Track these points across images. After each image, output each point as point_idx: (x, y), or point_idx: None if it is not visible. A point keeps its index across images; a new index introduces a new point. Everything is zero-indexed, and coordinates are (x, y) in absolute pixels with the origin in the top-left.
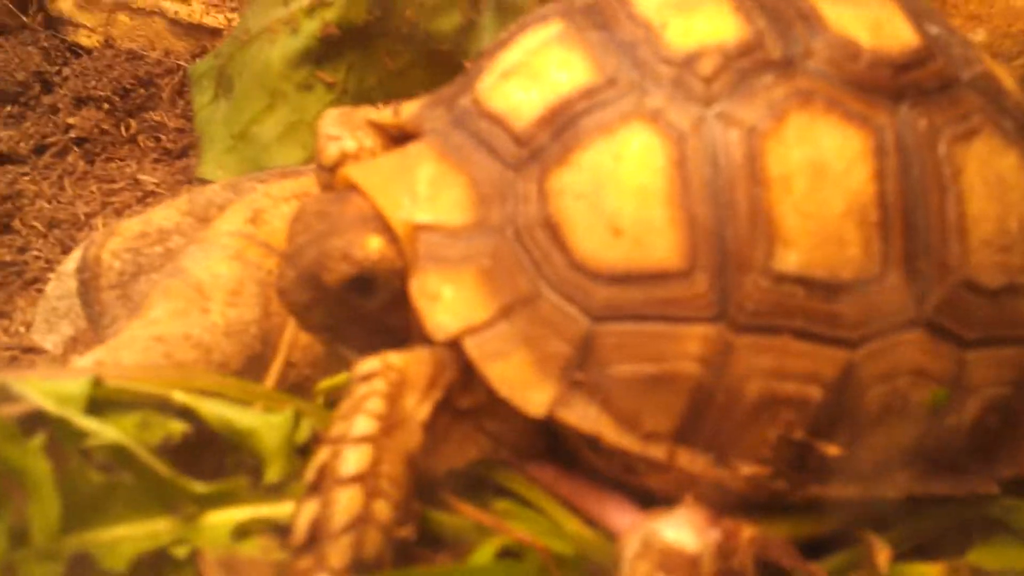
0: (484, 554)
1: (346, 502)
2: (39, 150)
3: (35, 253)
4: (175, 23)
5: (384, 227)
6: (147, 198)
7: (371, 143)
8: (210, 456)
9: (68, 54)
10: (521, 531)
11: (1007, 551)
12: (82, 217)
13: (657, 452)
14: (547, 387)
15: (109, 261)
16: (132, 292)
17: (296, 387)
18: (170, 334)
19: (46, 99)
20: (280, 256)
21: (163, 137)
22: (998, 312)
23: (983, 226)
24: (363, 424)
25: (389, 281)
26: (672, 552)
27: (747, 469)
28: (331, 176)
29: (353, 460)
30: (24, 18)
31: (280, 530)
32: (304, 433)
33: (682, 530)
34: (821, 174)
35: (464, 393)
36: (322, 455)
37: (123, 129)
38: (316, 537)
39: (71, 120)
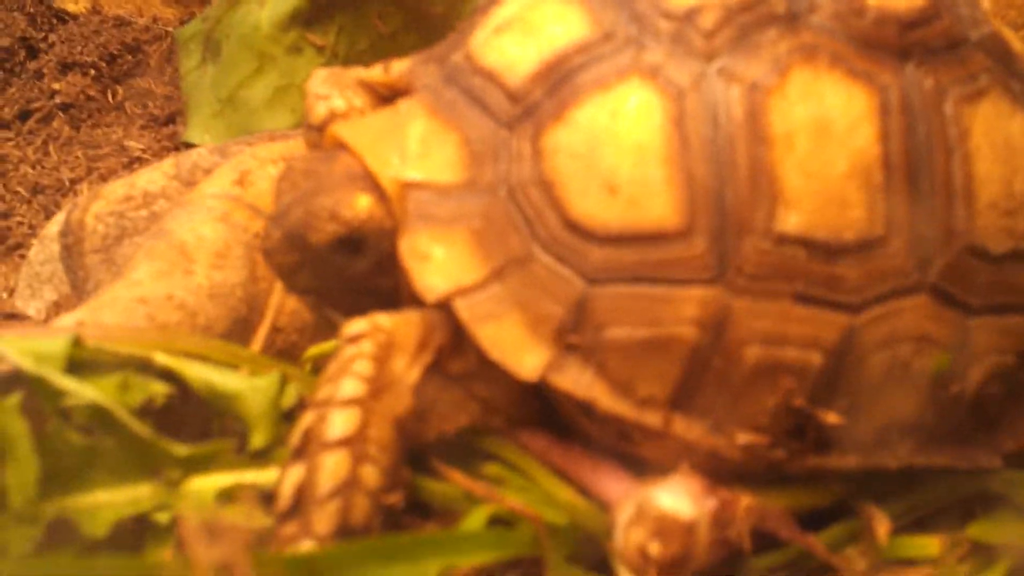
0: (474, 521)
1: (332, 467)
2: (23, 115)
3: (18, 219)
4: None
5: (373, 186)
6: (133, 164)
7: (360, 102)
8: (194, 421)
9: (54, 20)
10: (512, 499)
11: (1008, 525)
12: (67, 183)
13: (652, 419)
14: (540, 351)
15: (93, 224)
16: (116, 256)
17: (283, 353)
18: (153, 295)
19: (31, 64)
20: (266, 217)
21: (150, 104)
22: (1003, 279)
23: (989, 189)
24: (350, 386)
25: (378, 241)
26: (667, 519)
27: (744, 437)
28: (319, 135)
29: (340, 423)
30: None
31: (265, 496)
32: (290, 398)
33: (678, 497)
34: (825, 133)
35: (454, 357)
36: (308, 418)
37: (109, 95)
38: (301, 503)
39: (56, 86)
